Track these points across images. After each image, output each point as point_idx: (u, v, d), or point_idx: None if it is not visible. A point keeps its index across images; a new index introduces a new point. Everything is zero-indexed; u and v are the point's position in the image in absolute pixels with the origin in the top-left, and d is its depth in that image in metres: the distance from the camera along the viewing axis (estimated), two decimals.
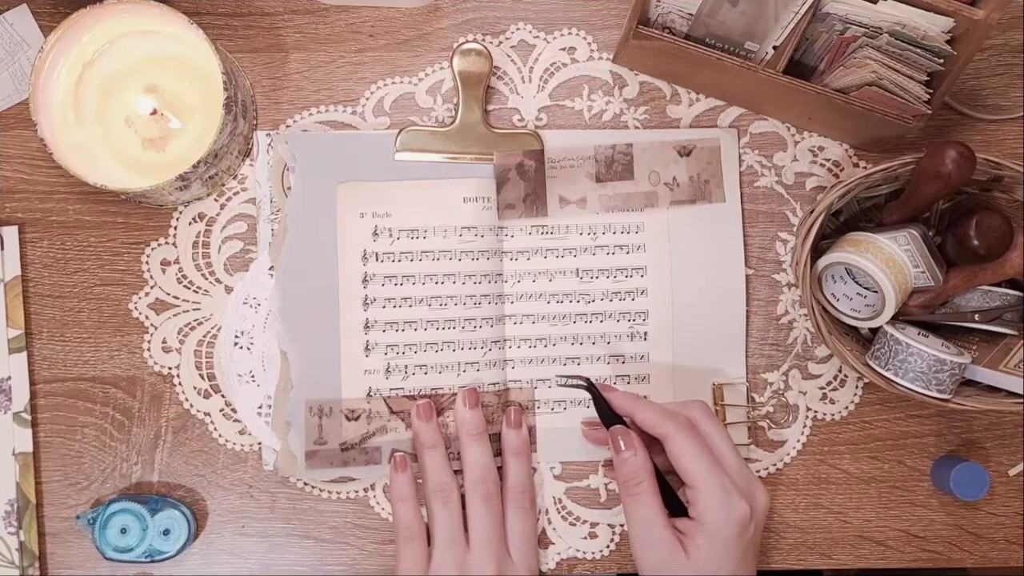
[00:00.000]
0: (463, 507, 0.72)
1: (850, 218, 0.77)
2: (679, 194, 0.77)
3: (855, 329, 0.76)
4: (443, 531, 0.71)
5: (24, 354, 0.74)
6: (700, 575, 0.63)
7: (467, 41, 0.76)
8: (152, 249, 0.76)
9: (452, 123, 0.76)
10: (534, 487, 0.75)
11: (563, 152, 0.77)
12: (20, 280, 0.75)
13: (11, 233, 0.75)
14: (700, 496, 0.64)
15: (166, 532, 0.72)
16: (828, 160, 0.79)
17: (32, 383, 0.75)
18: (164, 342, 0.76)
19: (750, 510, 0.65)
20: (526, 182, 0.76)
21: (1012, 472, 0.78)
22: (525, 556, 0.72)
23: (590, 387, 0.70)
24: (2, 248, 0.74)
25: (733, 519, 0.64)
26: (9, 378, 0.74)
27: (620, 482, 0.67)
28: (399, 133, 0.75)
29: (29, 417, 0.74)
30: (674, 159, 0.77)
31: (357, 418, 0.74)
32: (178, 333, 0.76)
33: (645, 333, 0.77)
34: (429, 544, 0.71)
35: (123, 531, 0.72)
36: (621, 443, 0.67)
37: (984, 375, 0.71)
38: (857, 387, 0.78)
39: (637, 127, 0.78)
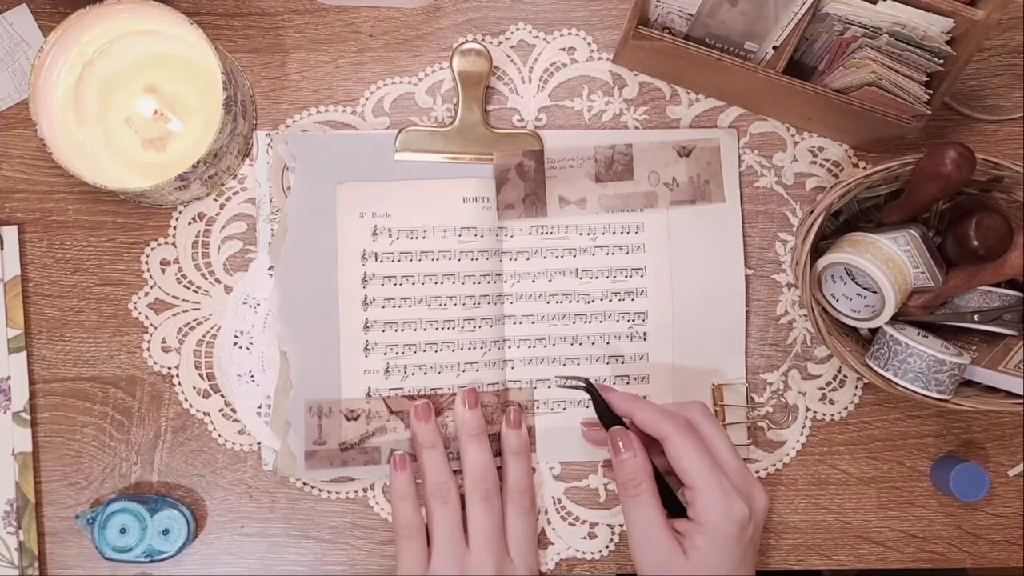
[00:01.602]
0: (463, 507, 0.72)
1: (850, 218, 0.77)
2: (679, 194, 0.77)
3: (855, 329, 0.76)
4: (443, 531, 0.71)
5: (24, 354, 0.74)
6: (699, 575, 0.63)
7: (467, 41, 0.76)
8: (152, 249, 0.76)
9: (452, 123, 0.76)
10: (534, 487, 0.75)
11: (563, 152, 0.77)
12: (20, 280, 0.75)
13: (11, 233, 0.75)
14: (699, 497, 0.64)
15: (165, 532, 0.72)
16: (828, 160, 0.79)
17: (32, 383, 0.75)
18: (164, 342, 0.76)
19: (749, 511, 0.65)
20: (526, 182, 0.76)
21: (1012, 472, 0.78)
22: (525, 556, 0.72)
23: (589, 388, 0.70)
24: (2, 248, 0.74)
25: (732, 519, 0.64)
26: (9, 378, 0.74)
27: (619, 483, 0.67)
28: (399, 133, 0.75)
29: (29, 417, 0.74)
30: (674, 159, 0.77)
31: (356, 418, 0.74)
32: (178, 333, 0.76)
33: (645, 333, 0.77)
34: (429, 544, 0.71)
35: (122, 531, 0.72)
36: (620, 444, 0.67)
37: (984, 375, 0.71)
38: (856, 387, 0.78)
39: (637, 127, 0.78)
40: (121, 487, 0.75)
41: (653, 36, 0.70)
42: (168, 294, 0.76)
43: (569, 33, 0.78)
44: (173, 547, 0.73)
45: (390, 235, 0.75)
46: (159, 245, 0.76)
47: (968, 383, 0.72)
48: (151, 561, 0.73)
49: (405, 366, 0.74)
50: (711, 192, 0.77)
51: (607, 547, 0.77)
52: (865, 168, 0.72)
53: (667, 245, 0.77)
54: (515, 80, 0.78)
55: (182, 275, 0.76)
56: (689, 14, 0.70)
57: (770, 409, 0.78)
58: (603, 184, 0.77)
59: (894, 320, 0.71)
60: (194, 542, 0.75)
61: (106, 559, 0.72)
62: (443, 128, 0.76)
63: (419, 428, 0.73)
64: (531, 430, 0.76)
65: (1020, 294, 0.72)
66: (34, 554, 0.74)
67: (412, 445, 0.74)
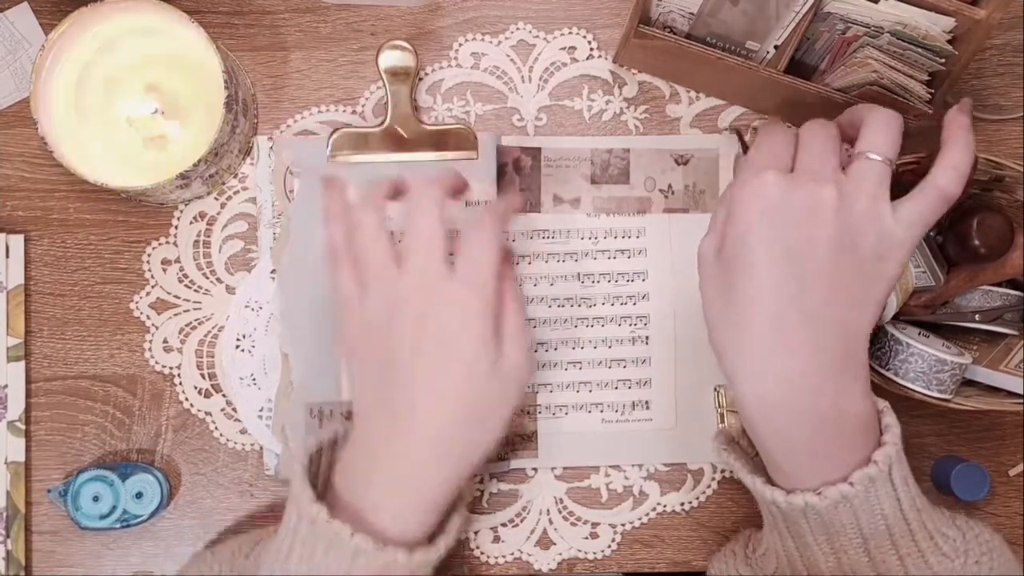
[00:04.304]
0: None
1: None
2: (673, 202, 0.77)
3: None
4: (371, 259, 0.60)
5: (22, 363, 0.74)
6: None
7: (393, 39, 0.75)
8: (153, 248, 0.76)
9: (383, 123, 0.75)
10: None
11: (560, 152, 0.77)
12: (23, 289, 0.74)
13: (17, 242, 0.74)
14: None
15: (139, 495, 0.72)
16: None
17: (32, 381, 0.75)
18: (165, 342, 0.76)
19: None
20: (521, 178, 0.76)
21: (1012, 472, 0.78)
22: (423, 256, 0.59)
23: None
24: (7, 256, 0.74)
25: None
26: (6, 386, 0.74)
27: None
28: (331, 136, 0.74)
29: (23, 427, 0.74)
30: (671, 167, 0.77)
31: None
32: (179, 333, 0.76)
33: (646, 337, 0.77)
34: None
35: (95, 499, 0.71)
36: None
37: (985, 375, 0.71)
38: None
39: (637, 126, 0.78)
40: None
41: (655, 35, 0.70)
42: (169, 293, 0.76)
43: (570, 32, 0.78)
44: (147, 510, 0.72)
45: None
46: (160, 244, 0.76)
47: (969, 383, 0.72)
48: (127, 526, 0.72)
49: None
50: (706, 203, 0.77)
51: (609, 547, 0.77)
52: None
53: (669, 248, 0.77)
54: (515, 80, 0.78)
55: (183, 274, 0.76)
56: (691, 13, 0.70)
57: None
58: (598, 186, 0.77)
59: (895, 320, 0.71)
60: (169, 505, 0.75)
61: (82, 529, 0.72)
62: (375, 128, 0.75)
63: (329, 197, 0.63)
64: (533, 435, 0.76)
65: (1021, 294, 0.72)
66: (21, 564, 0.73)
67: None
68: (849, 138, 0.59)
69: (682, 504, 0.77)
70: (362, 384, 0.61)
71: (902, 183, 0.73)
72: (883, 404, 0.60)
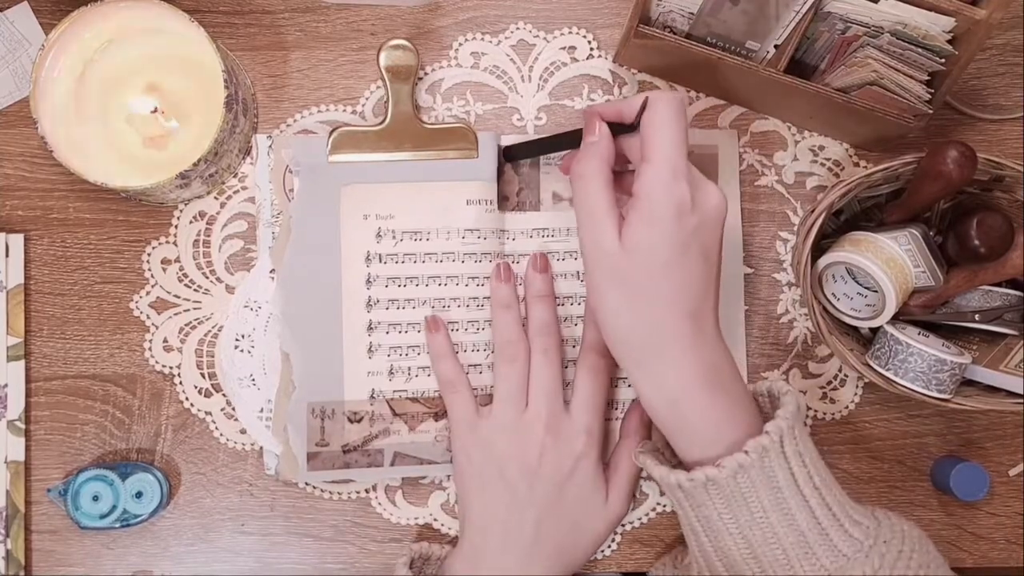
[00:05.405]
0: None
1: (851, 218, 0.77)
2: None
3: (855, 329, 0.76)
4: (505, 388, 0.72)
5: (22, 362, 0.74)
6: (632, 254, 0.61)
7: (393, 38, 0.74)
8: (153, 248, 0.76)
9: (383, 121, 0.75)
10: (559, 330, 0.75)
11: None
12: (23, 289, 0.74)
13: (16, 241, 0.74)
14: (647, 169, 0.61)
15: (138, 495, 0.72)
16: (829, 159, 0.79)
17: (32, 380, 0.75)
18: (165, 341, 0.76)
19: (691, 199, 0.61)
20: (521, 177, 0.76)
21: (1012, 472, 0.78)
22: (547, 401, 0.72)
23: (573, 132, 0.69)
24: (7, 256, 0.74)
25: (671, 199, 0.60)
26: (6, 386, 0.74)
27: (575, 168, 0.65)
28: (331, 135, 0.74)
29: (23, 426, 0.74)
30: None
31: (359, 420, 0.74)
32: (179, 332, 0.76)
33: None
34: (483, 399, 0.74)
35: (95, 498, 0.72)
36: (593, 126, 0.65)
37: (984, 375, 0.71)
38: (857, 387, 0.78)
39: None
40: None
41: (655, 35, 0.70)
42: (169, 293, 0.76)
43: (570, 32, 0.78)
44: (147, 510, 0.72)
45: (394, 237, 0.74)
46: (160, 244, 0.76)
47: (969, 382, 0.72)
48: (127, 526, 0.72)
49: (409, 368, 0.74)
50: None
51: (608, 547, 0.77)
52: (866, 167, 0.72)
53: None
54: (515, 79, 0.78)
55: (183, 274, 0.76)
56: (691, 13, 0.70)
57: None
58: None
59: (895, 319, 0.71)
60: (169, 505, 0.75)
61: (82, 528, 0.72)
62: (375, 127, 0.75)
63: (497, 288, 0.74)
64: None
65: (1021, 293, 0.72)
66: (20, 563, 0.73)
67: (491, 305, 0.75)
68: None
69: None
70: (480, 501, 0.72)
71: (901, 184, 0.73)
72: (787, 388, 0.64)
